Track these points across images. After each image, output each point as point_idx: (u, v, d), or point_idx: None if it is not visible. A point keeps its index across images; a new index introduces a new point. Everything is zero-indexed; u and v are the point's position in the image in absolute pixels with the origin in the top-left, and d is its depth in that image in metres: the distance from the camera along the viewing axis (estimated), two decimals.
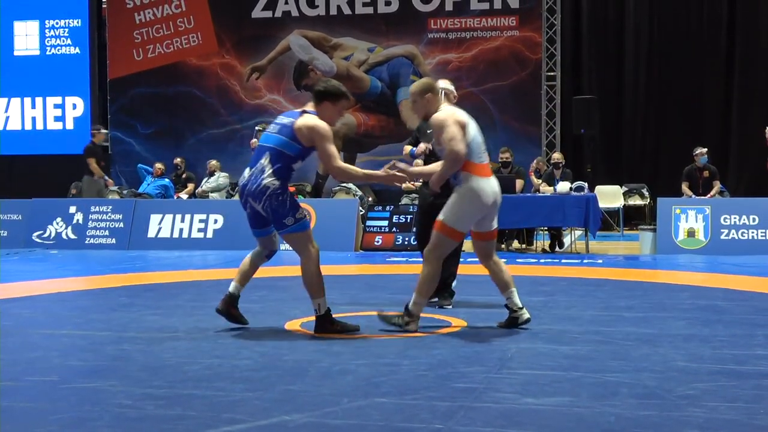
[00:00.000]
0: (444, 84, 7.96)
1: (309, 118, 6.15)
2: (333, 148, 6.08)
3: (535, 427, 3.92)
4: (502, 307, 7.19)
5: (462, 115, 6.15)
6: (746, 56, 18.21)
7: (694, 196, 14.15)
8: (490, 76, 18.80)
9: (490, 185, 6.13)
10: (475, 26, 18.91)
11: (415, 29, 19.19)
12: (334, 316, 6.23)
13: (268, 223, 6.26)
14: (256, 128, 16.03)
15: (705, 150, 14.39)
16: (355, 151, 19.52)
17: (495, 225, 6.32)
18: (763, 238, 12.63)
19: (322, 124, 6.11)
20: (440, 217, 6.10)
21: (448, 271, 7.15)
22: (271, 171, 6.05)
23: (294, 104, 19.60)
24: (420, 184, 6.39)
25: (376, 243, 13.66)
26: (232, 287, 6.41)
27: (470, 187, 6.04)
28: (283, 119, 6.29)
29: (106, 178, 16.04)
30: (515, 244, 14.03)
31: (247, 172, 6.20)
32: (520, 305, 6.33)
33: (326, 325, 6.15)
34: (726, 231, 12.76)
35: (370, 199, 16.79)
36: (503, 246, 13.68)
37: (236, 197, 17.71)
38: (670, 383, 4.64)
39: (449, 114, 6.12)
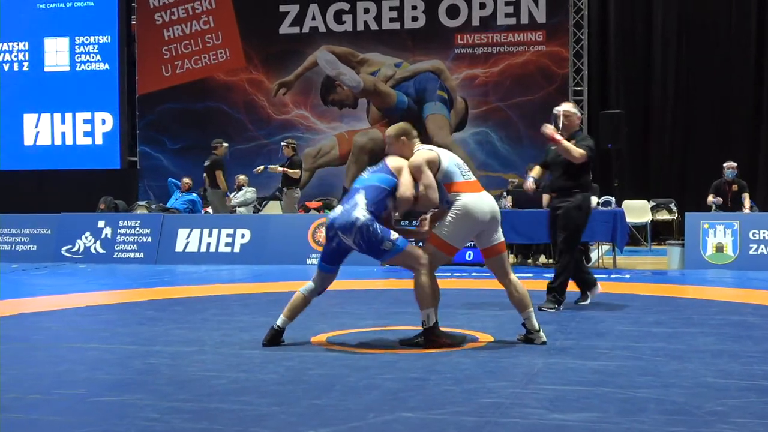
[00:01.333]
0: (566, 107, 8.39)
1: (397, 157, 6.39)
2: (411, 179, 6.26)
3: None
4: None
5: (431, 153, 6.27)
6: None
7: (719, 199, 13.99)
8: (517, 91, 18.78)
9: (482, 201, 6.23)
10: (501, 41, 18.90)
11: (442, 44, 19.21)
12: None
13: (340, 261, 6.33)
14: (282, 144, 16.11)
15: (734, 164, 14.28)
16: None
17: (499, 239, 6.32)
18: None
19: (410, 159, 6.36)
20: (434, 230, 6.25)
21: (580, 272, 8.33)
22: (364, 205, 6.11)
23: (321, 119, 19.69)
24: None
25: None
26: (280, 321, 6.32)
27: (462, 204, 6.15)
28: (373, 168, 6.47)
29: (228, 193, 16.16)
30: (542, 258, 13.97)
31: (338, 208, 6.25)
32: (537, 327, 6.31)
33: (432, 338, 6.16)
34: (755, 246, 12.64)
35: (396, 214, 16.75)
36: (530, 261, 13.63)
37: (267, 211, 17.87)
38: (699, 399, 4.59)
39: (422, 157, 6.24)
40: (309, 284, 6.37)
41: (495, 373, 5.28)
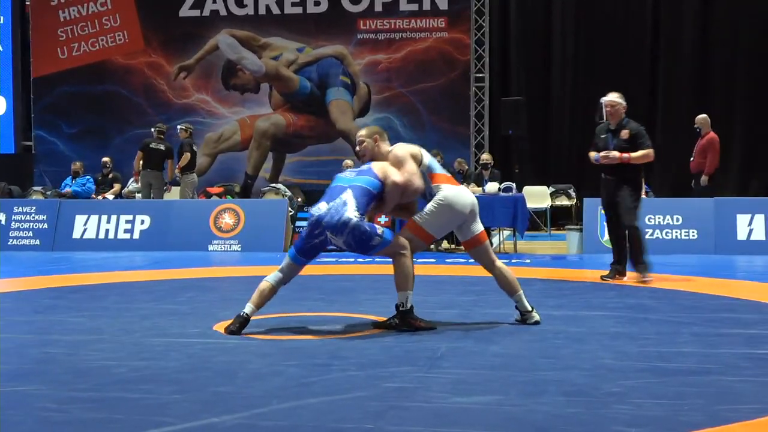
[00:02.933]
0: (612, 97, 8.61)
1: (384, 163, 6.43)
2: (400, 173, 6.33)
3: (465, 425, 3.93)
4: (433, 308, 7.22)
5: (413, 148, 6.47)
6: (670, 57, 18.58)
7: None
8: (420, 77, 18.89)
9: (463, 193, 6.46)
10: (404, 27, 18.99)
11: (345, 30, 19.20)
12: (255, 317, 6.18)
13: (315, 256, 6.33)
14: (179, 127, 15.88)
15: None
16: (285, 151, 19.46)
17: (479, 229, 6.49)
18: (687, 237, 12.88)
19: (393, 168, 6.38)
20: (415, 217, 6.39)
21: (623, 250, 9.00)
22: (354, 205, 6.12)
23: (222, 104, 19.51)
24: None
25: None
26: (248, 309, 6.20)
27: (444, 195, 6.33)
28: (354, 171, 6.50)
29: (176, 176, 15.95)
30: (444, 244, 14.09)
31: (323, 205, 6.19)
32: (530, 308, 6.53)
33: (409, 320, 6.24)
34: (650, 231, 12.96)
35: (299, 199, 16.73)
36: (432, 247, 13.74)
37: (168, 196, 17.62)
38: (597, 380, 4.69)
39: (405, 150, 6.40)
40: (276, 273, 6.29)
41: (399, 358, 5.31)
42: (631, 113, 18.66)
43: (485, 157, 15.31)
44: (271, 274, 6.31)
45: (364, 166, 6.45)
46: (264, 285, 6.28)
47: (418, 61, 18.92)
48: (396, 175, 6.25)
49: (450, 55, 18.83)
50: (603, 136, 9.03)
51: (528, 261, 12.08)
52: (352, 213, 6.08)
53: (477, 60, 18.84)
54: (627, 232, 9.23)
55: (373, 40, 19.15)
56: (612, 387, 4.55)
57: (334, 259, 12.24)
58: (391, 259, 6.31)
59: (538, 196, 17.16)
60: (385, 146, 6.51)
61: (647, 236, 12.86)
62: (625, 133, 9.20)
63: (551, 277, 10.08)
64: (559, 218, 18.02)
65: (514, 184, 14.21)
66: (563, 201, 18.07)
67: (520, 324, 6.50)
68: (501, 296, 7.52)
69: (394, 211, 6.62)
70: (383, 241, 6.18)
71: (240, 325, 6.17)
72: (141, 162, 15.39)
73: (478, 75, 18.84)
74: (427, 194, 6.41)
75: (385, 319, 6.49)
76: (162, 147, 15.47)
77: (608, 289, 8.83)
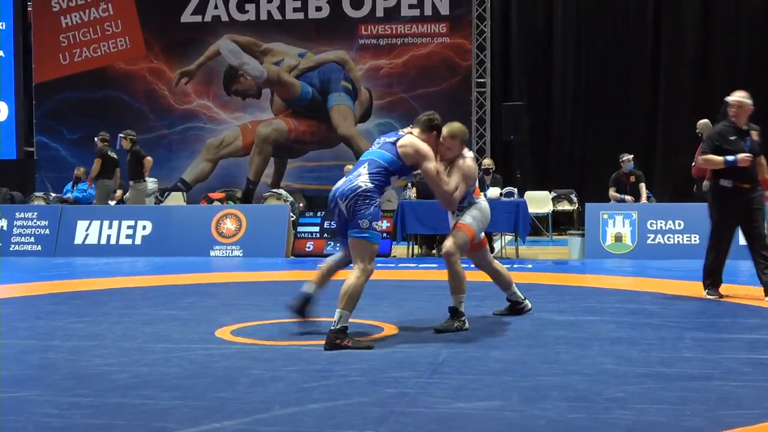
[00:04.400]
0: (739, 96, 8.43)
1: (413, 138, 6.31)
2: (443, 175, 6.42)
3: (466, 431, 3.92)
4: (434, 314, 7.22)
5: (474, 170, 6.75)
6: (672, 63, 18.55)
7: (624, 196, 14.30)
8: (421, 83, 18.89)
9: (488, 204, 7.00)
10: (405, 32, 18.99)
11: (346, 35, 19.20)
12: (240, 326, 6.19)
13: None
14: (120, 135, 15.87)
15: (631, 156, 14.60)
16: (286, 156, 19.46)
17: (482, 235, 7.07)
18: (689, 242, 12.85)
19: (426, 146, 6.29)
20: (468, 221, 6.68)
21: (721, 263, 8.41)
22: (367, 175, 6.11)
23: (224, 109, 19.52)
24: None
25: (307, 249, 13.60)
26: (306, 287, 6.37)
27: (483, 206, 6.81)
28: (384, 139, 6.41)
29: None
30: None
31: (341, 181, 6.25)
32: (523, 297, 7.26)
33: (335, 340, 5.81)
34: (652, 236, 12.95)
35: (301, 204, 16.73)
36: (434, 252, 13.73)
37: (170, 202, 17.63)
38: (599, 386, 4.69)
39: (472, 170, 6.66)
40: (339, 253, 6.55)
41: (400, 364, 5.31)
42: (632, 120, 18.73)
43: (487, 162, 15.30)
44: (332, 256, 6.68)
45: (390, 137, 6.36)
46: (326, 262, 6.57)
47: (420, 66, 18.92)
48: (447, 183, 6.40)
49: (451, 61, 18.83)
50: (732, 138, 8.23)
51: (530, 266, 12.07)
52: (362, 181, 6.09)
53: (478, 65, 18.85)
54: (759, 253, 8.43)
55: (374, 46, 19.15)
56: (614, 392, 4.54)
57: None
58: (352, 266, 6.15)
59: (539, 201, 17.14)
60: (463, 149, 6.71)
61: (649, 241, 12.87)
62: (755, 134, 8.60)
63: (553, 282, 10.07)
64: (561, 223, 18.00)
65: (515, 189, 14.19)
66: (565, 206, 18.05)
67: (505, 315, 7.14)
68: (502, 302, 7.51)
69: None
70: (369, 236, 5.99)
71: (299, 302, 6.42)
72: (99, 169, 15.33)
73: (479, 80, 18.84)
74: (466, 202, 6.74)
75: (384, 324, 6.48)
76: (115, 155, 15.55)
77: (609, 295, 8.82)
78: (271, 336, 6.33)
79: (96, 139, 15.75)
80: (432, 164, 6.25)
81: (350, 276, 5.97)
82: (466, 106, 18.74)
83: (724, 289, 8.50)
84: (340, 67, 19.22)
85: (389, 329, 6.61)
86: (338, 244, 6.48)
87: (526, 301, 7.31)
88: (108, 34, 19.98)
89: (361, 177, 6.10)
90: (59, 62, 20.07)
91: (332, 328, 5.85)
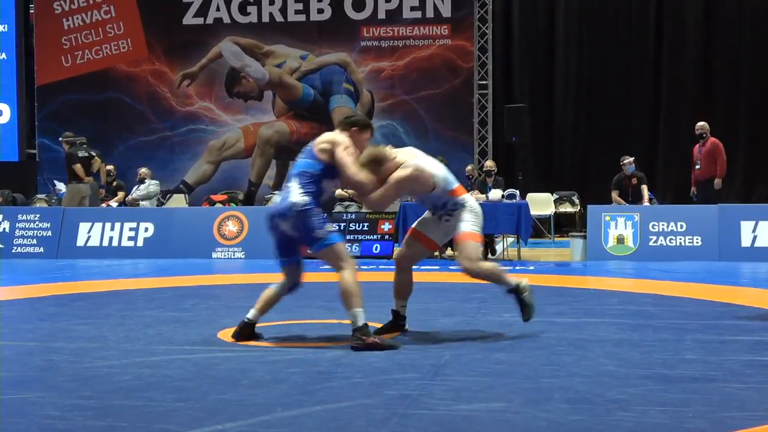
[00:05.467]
0: None
1: (326, 134, 6.23)
2: (351, 159, 6.07)
3: None
4: (436, 315, 7.22)
5: (423, 173, 6.28)
6: (673, 64, 18.56)
7: (625, 204, 14.33)
8: (423, 85, 18.90)
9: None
10: (407, 34, 19.00)
11: (348, 37, 19.22)
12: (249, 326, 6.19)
13: (294, 250, 6.21)
14: (60, 139, 15.88)
15: (632, 159, 14.60)
16: (288, 158, 19.45)
17: (443, 241, 6.76)
18: (691, 244, 12.86)
19: (340, 136, 6.14)
20: (469, 228, 6.32)
21: None
22: (299, 190, 6.01)
23: (226, 111, 19.53)
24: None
25: (309, 251, 13.57)
26: (251, 314, 6.23)
27: (471, 205, 6.39)
28: (306, 147, 6.32)
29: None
30: (448, 251, 14.07)
31: (276, 198, 6.19)
32: (404, 316, 6.56)
33: (362, 337, 5.84)
34: (654, 238, 12.96)
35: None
36: (436, 253, 13.72)
37: (171, 204, 17.65)
38: (600, 388, 4.69)
39: (408, 175, 6.23)
40: (281, 281, 6.33)
41: (402, 365, 5.31)
42: (634, 122, 18.72)
43: (489, 164, 15.30)
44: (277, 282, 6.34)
45: (308, 145, 6.27)
46: (267, 290, 6.34)
47: (422, 68, 18.93)
48: (350, 170, 6.02)
49: (453, 63, 18.85)
50: None
51: (532, 268, 12.07)
52: (296, 196, 5.99)
53: (480, 67, 18.86)
54: None
55: (376, 48, 19.16)
56: (615, 394, 4.55)
57: None
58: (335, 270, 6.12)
59: (541, 203, 17.14)
60: (364, 137, 6.33)
61: (651, 243, 12.87)
62: None
63: (554, 284, 10.07)
64: (563, 225, 18.01)
65: (517, 191, 14.19)
66: (567, 208, 18.05)
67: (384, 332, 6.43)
68: (504, 303, 7.51)
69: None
70: (326, 240, 5.98)
71: (241, 330, 6.21)
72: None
73: (481, 82, 18.85)
74: (442, 207, 6.35)
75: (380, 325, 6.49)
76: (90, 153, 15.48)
77: (611, 296, 8.82)
78: (273, 338, 6.33)
79: (61, 140, 15.65)
80: (341, 149, 6.05)
81: (340, 279, 5.98)
82: (467, 107, 18.76)
83: (725, 291, 8.51)
84: (341, 69, 19.24)
85: (392, 330, 6.60)
86: (280, 265, 6.30)
87: (405, 323, 6.55)
88: (110, 36, 20.01)
89: (293, 192, 6.02)
90: (61, 64, 20.10)
91: (354, 328, 5.89)
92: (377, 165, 6.21)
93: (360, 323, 5.88)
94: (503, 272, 6.40)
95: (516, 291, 6.32)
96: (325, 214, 6.10)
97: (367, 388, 4.74)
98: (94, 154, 15.27)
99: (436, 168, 6.36)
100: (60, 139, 15.80)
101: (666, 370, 5.16)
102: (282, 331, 6.60)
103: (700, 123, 14.33)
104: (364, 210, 15.29)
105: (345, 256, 6.06)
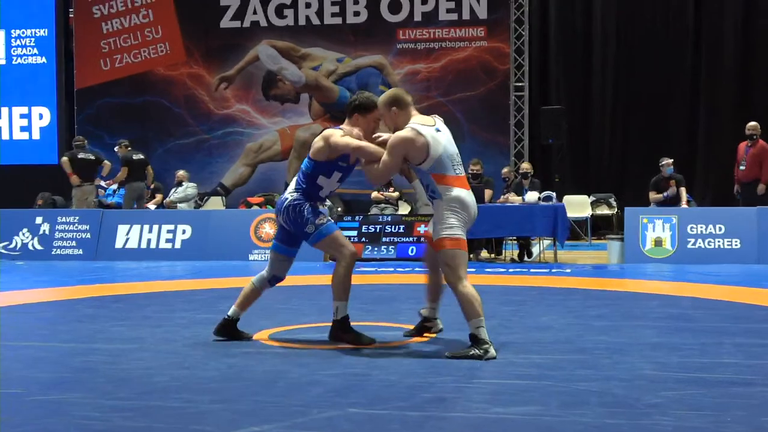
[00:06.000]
0: None
1: (324, 131, 6.24)
2: (348, 139, 6.00)
3: None
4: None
5: (419, 138, 5.81)
6: (712, 65, 18.38)
7: (665, 194, 14.09)
8: (459, 87, 18.86)
9: (472, 199, 5.95)
10: (443, 37, 18.97)
11: (384, 39, 19.22)
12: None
13: (294, 243, 6.33)
14: (115, 148, 16.17)
15: (670, 161, 14.46)
16: None
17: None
18: (729, 247, 12.73)
19: (330, 130, 6.18)
20: (439, 234, 5.78)
21: None
22: (294, 186, 6.19)
23: (263, 114, 19.60)
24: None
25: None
26: (231, 311, 6.34)
27: (457, 197, 5.82)
28: None
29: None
30: (484, 253, 14.05)
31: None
32: (437, 317, 6.45)
33: (339, 333, 6.10)
34: (692, 240, 12.84)
35: (339, 209, 16.75)
36: (471, 256, 13.69)
37: (209, 206, 17.76)
38: (638, 392, 4.65)
39: (401, 139, 5.85)
40: (260, 273, 6.40)
41: (437, 368, 5.30)
42: (672, 123, 18.54)
43: (525, 166, 15.25)
44: (256, 276, 6.44)
45: None
46: (246, 286, 6.43)
47: (458, 70, 18.90)
48: (341, 144, 5.96)
49: (489, 65, 18.79)
50: None
51: (568, 271, 12.01)
52: (288, 194, 6.18)
53: (516, 69, 18.79)
54: None
55: (412, 50, 19.16)
56: (653, 398, 4.51)
57: (373, 269, 12.25)
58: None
59: (578, 206, 17.06)
60: (408, 115, 6.02)
61: (689, 245, 12.75)
62: None
63: (591, 287, 10.01)
64: (600, 228, 17.90)
65: (554, 194, 14.13)
66: (604, 210, 17.95)
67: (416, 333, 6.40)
68: (541, 306, 7.50)
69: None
70: (318, 232, 6.07)
71: (222, 327, 6.33)
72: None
73: (517, 84, 18.79)
74: (428, 193, 5.93)
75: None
76: (141, 156, 15.97)
77: (650, 299, 8.76)
78: (309, 340, 6.34)
79: (116, 149, 16.14)
80: (334, 139, 5.99)
81: (335, 268, 6.11)
82: (504, 110, 18.70)
83: (765, 294, 8.41)
84: (378, 71, 19.25)
85: (427, 333, 6.59)
86: (275, 249, 6.35)
87: (438, 322, 6.40)
88: (148, 40, 20.16)
89: (289, 188, 6.25)
90: (100, 68, 20.27)
91: (334, 319, 6.10)
92: (397, 105, 6.03)
93: (339, 316, 6.08)
94: (477, 307, 5.68)
95: (475, 341, 5.65)
96: (318, 207, 6.14)
97: (402, 390, 4.74)
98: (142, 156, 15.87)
99: (437, 143, 5.84)
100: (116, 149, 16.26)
101: (705, 373, 5.10)
102: (317, 332, 6.61)
103: (752, 123, 14.13)
104: (400, 212, 15.29)
105: (341, 245, 6.13)
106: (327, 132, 6.16)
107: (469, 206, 5.89)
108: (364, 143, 6.02)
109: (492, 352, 5.59)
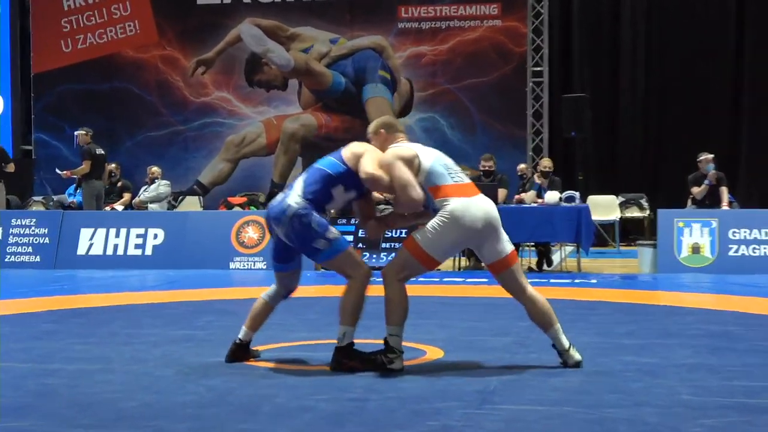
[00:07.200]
0: None
1: (363, 143, 6.20)
2: (377, 166, 5.95)
3: None
4: (484, 335, 7.19)
5: (408, 151, 6.04)
6: (759, 47, 18.37)
7: (707, 181, 14.01)
8: (469, 72, 18.88)
9: (475, 206, 5.90)
10: (451, 15, 18.99)
11: (384, 18, 19.25)
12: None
13: (292, 257, 6.17)
14: (76, 133, 16.04)
15: (711, 156, 14.44)
16: (315, 155, 19.42)
17: (506, 250, 6.01)
18: None
19: (366, 146, 6.14)
20: (415, 235, 5.91)
21: None
22: (301, 190, 5.96)
23: (245, 103, 19.62)
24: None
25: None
26: (242, 333, 6.26)
27: (450, 210, 5.83)
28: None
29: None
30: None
31: (279, 196, 6.10)
32: (567, 346, 6.02)
33: (343, 360, 5.88)
34: (735, 247, 12.85)
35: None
36: (483, 264, 13.67)
37: (184, 207, 17.76)
38: (674, 420, 4.65)
39: (394, 154, 6.01)
40: (271, 287, 6.33)
41: (445, 393, 5.29)
42: (713, 114, 18.55)
43: (545, 162, 15.24)
44: (266, 290, 6.37)
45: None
46: (257, 302, 6.33)
47: (468, 53, 18.91)
48: (366, 165, 5.92)
49: (504, 47, 18.81)
50: None
51: (594, 281, 12.01)
52: (293, 199, 5.92)
53: (534, 52, 18.81)
54: None
55: (416, 30, 19.17)
56: (691, 427, 4.50)
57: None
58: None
59: (605, 207, 17.08)
60: (395, 139, 6.26)
61: (731, 253, 12.74)
62: None
63: (620, 299, 10.01)
64: (630, 232, 17.92)
65: (577, 194, 14.13)
66: (634, 212, 17.97)
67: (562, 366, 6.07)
68: (562, 322, 7.46)
69: (405, 219, 6.36)
70: (331, 248, 5.90)
71: (233, 353, 6.24)
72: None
73: (535, 69, 18.80)
74: (431, 209, 6.00)
75: (427, 347, 6.46)
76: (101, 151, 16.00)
77: (686, 314, 8.75)
78: (298, 360, 6.34)
79: (77, 136, 15.98)
80: (366, 159, 5.97)
81: (345, 289, 5.99)
82: (520, 98, 18.73)
83: None
84: (377, 54, 19.27)
85: (433, 353, 6.60)
86: (274, 270, 6.27)
87: (572, 353, 6.00)
88: (115, 18, 20.19)
89: (293, 193, 5.97)
90: (61, 50, 20.30)
91: (337, 345, 5.93)
92: (386, 129, 6.29)
93: (344, 343, 5.91)
94: (402, 314, 5.85)
95: (388, 348, 5.82)
96: (326, 219, 6.02)
97: (404, 417, 4.73)
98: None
99: (426, 152, 6.08)
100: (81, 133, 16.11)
101: (749, 399, 5.10)
102: (308, 351, 6.61)
103: None
104: None
105: (356, 264, 6.02)
106: (364, 147, 6.12)
107: (471, 219, 5.84)
108: (379, 172, 5.94)
109: (398, 363, 5.75)
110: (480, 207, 5.92)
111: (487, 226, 5.90)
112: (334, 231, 5.97)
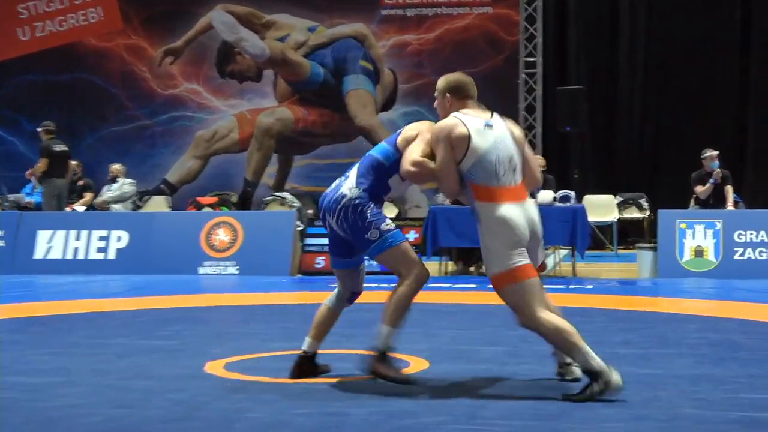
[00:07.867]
0: None
1: (426, 123, 6.00)
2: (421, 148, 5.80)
3: None
4: (473, 344, 7.20)
5: (461, 129, 5.74)
6: (766, 39, 18.43)
7: (711, 180, 14.08)
8: (457, 63, 18.86)
9: (520, 212, 5.71)
10: (439, 1, 19.03)
11: (366, 4, 19.26)
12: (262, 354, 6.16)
13: (351, 252, 6.03)
14: (38, 129, 16.03)
15: (715, 153, 14.50)
16: (292, 152, 19.51)
17: (538, 259, 5.92)
18: None
19: (431, 127, 5.89)
20: (492, 271, 5.64)
21: None
22: (355, 179, 5.90)
23: (217, 95, 19.60)
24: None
25: (317, 266, 13.61)
26: (306, 345, 6.14)
27: (494, 218, 5.64)
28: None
29: None
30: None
31: (333, 184, 6.03)
32: (568, 360, 5.95)
33: (380, 366, 5.82)
34: (741, 249, 12.90)
35: (310, 211, 16.77)
36: (472, 269, 13.72)
37: (150, 208, 17.73)
38: None
39: (443, 129, 5.75)
40: (334, 291, 6.19)
41: (431, 406, 5.31)
42: (717, 108, 18.60)
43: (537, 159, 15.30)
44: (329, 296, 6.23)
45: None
46: (320, 309, 6.18)
47: (456, 42, 18.95)
48: (405, 158, 5.78)
49: (495, 35, 18.85)
50: None
51: (590, 286, 12.04)
52: (347, 188, 5.87)
53: (527, 41, 18.85)
54: None
55: (400, 17, 19.19)
56: None
57: None
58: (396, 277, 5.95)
59: (602, 208, 17.13)
60: (459, 108, 5.98)
61: (736, 256, 12.79)
62: None
63: (618, 306, 10.05)
64: (629, 234, 17.98)
65: (572, 193, 14.17)
66: (633, 213, 18.02)
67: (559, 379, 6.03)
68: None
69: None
70: (384, 241, 5.81)
71: (299, 367, 6.10)
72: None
73: (528, 59, 18.85)
74: (472, 212, 5.83)
75: (412, 357, 6.47)
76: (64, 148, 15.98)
77: (687, 322, 8.79)
78: (274, 371, 6.34)
79: (39, 131, 15.98)
80: (413, 149, 5.80)
81: (399, 285, 5.87)
82: (512, 90, 18.76)
83: None
84: (358, 43, 19.29)
85: (418, 364, 6.61)
86: (333, 266, 6.18)
87: (571, 368, 5.93)
88: (77, 4, 20.14)
89: (347, 182, 5.91)
90: (17, 38, 20.24)
91: (376, 348, 5.84)
92: (453, 93, 6.04)
93: (382, 346, 5.82)
94: (573, 337, 5.61)
95: (590, 375, 5.50)
96: (381, 211, 5.93)
97: None
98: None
99: (482, 138, 5.79)
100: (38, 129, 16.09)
101: (756, 412, 5.14)
102: (286, 362, 6.61)
103: None
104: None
105: (412, 261, 5.90)
106: (423, 128, 5.91)
107: (517, 226, 5.65)
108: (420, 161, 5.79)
109: (615, 378, 5.42)
110: (527, 215, 5.77)
111: (532, 236, 5.81)
112: (389, 223, 5.89)
